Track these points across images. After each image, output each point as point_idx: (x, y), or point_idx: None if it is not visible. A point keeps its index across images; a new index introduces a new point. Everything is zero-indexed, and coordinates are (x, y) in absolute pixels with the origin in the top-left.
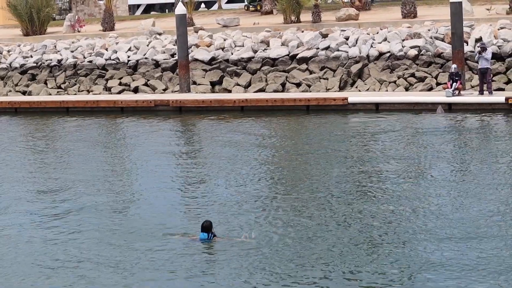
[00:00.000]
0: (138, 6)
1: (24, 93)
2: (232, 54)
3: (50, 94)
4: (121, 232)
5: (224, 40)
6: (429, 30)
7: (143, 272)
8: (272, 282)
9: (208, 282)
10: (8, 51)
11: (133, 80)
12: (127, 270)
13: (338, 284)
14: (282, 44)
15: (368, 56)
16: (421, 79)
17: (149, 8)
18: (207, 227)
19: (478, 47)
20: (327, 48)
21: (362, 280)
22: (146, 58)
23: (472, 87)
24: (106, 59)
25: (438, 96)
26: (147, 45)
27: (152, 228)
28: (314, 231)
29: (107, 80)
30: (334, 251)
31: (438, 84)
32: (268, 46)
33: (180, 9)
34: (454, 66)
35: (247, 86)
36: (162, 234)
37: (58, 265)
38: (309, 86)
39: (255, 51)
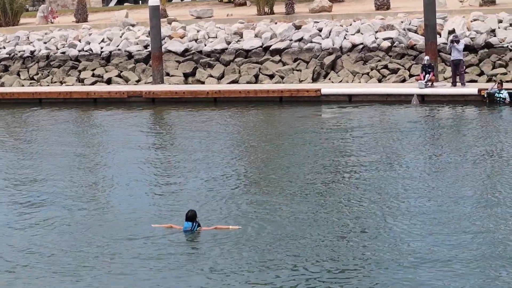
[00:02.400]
0: None
1: None
2: (205, 45)
3: (23, 85)
4: (99, 224)
5: (198, 31)
6: (402, 22)
7: (125, 264)
8: (256, 272)
9: (192, 273)
10: None
11: (106, 72)
12: (109, 262)
13: (317, 271)
14: (256, 36)
15: (341, 47)
16: (394, 71)
17: None
18: (191, 217)
19: (451, 39)
20: (300, 39)
21: (337, 271)
22: (119, 49)
23: (445, 78)
24: (79, 51)
25: (411, 88)
26: (120, 37)
27: (131, 219)
28: (291, 221)
29: (80, 71)
30: (309, 240)
31: (411, 76)
32: (242, 37)
33: (154, 0)
34: (427, 58)
35: (220, 78)
36: (144, 225)
37: (33, 261)
38: (282, 77)
39: (228, 43)
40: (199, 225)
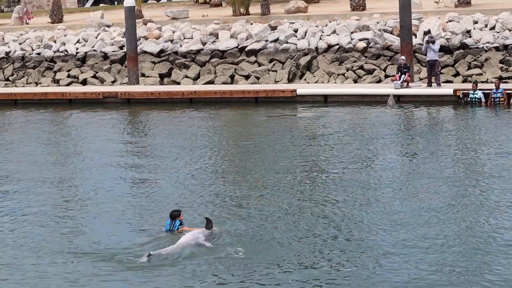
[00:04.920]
0: None
1: None
2: (181, 46)
3: None
4: (75, 228)
5: (173, 32)
6: (377, 22)
7: (98, 267)
8: (236, 271)
9: (167, 271)
10: None
11: (82, 72)
12: (84, 263)
13: (289, 269)
14: (231, 37)
15: (317, 48)
16: (370, 72)
17: (98, 0)
18: (171, 216)
19: (426, 40)
20: (276, 40)
21: (312, 267)
22: (94, 50)
23: (421, 79)
24: (55, 51)
25: (387, 88)
26: (96, 37)
27: (109, 221)
28: (267, 220)
29: (55, 72)
30: (286, 238)
31: (386, 76)
32: (217, 38)
33: (129, 1)
34: (402, 58)
35: (196, 78)
36: (123, 226)
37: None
38: (258, 78)
39: (204, 43)
40: (181, 224)
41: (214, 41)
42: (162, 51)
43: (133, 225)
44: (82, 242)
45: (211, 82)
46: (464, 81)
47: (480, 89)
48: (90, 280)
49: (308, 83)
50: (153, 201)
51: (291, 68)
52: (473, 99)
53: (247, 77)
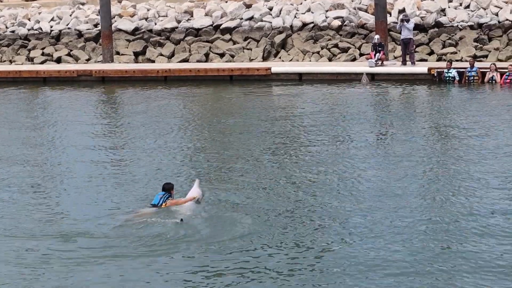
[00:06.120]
0: None
1: None
2: (155, 24)
3: None
4: (49, 206)
5: (148, 10)
6: (352, 1)
7: (74, 247)
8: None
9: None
10: None
11: (56, 51)
12: (58, 244)
13: (257, 249)
14: (206, 15)
15: (291, 26)
16: (345, 50)
17: None
18: (165, 188)
19: (401, 18)
20: (250, 18)
21: (284, 247)
22: (69, 28)
23: (395, 57)
24: (29, 29)
25: (361, 67)
26: (70, 15)
27: (85, 203)
28: (242, 199)
29: (29, 50)
30: (259, 218)
31: (361, 54)
32: (192, 16)
33: None
34: (377, 36)
35: (170, 57)
36: (102, 208)
37: None
38: (232, 56)
39: (178, 21)
40: (169, 197)
41: (188, 19)
42: (136, 29)
43: (110, 203)
44: (57, 222)
45: (185, 60)
46: (439, 59)
47: (454, 68)
48: (61, 260)
49: (283, 61)
50: (129, 178)
51: (266, 46)
52: (448, 78)
53: (221, 55)
